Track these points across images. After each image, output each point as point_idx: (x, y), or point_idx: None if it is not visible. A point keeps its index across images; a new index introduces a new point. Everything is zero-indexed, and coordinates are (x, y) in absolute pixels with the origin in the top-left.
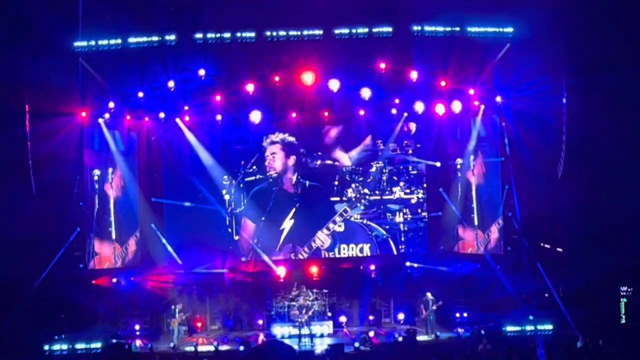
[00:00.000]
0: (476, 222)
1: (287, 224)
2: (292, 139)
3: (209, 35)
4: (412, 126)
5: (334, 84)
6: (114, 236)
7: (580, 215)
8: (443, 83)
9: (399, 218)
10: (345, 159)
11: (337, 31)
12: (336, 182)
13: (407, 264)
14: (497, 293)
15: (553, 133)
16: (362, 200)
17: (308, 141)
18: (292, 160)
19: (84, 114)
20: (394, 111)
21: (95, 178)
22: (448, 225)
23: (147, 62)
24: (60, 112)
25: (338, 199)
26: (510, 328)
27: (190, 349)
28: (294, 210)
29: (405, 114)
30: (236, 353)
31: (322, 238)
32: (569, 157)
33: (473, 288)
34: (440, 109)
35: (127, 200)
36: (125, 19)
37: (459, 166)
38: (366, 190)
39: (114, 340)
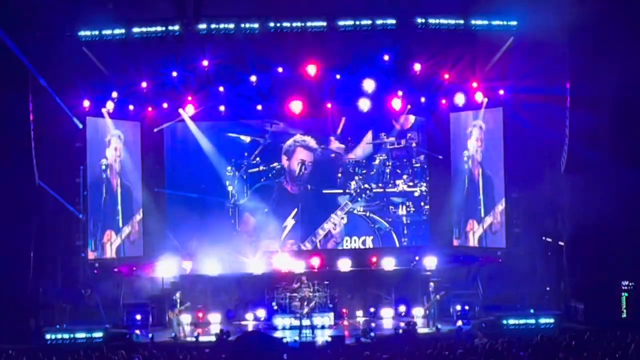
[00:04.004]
0: (482, 215)
1: (290, 221)
2: (313, 142)
3: (213, 25)
4: (412, 118)
5: (338, 76)
6: (120, 225)
7: (582, 209)
8: (446, 76)
9: (402, 211)
10: (348, 151)
11: (340, 23)
12: (339, 175)
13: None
14: (499, 286)
15: (556, 126)
16: (363, 195)
17: (311, 133)
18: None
19: (87, 103)
20: (397, 104)
21: (103, 167)
22: (451, 218)
23: (151, 52)
24: (64, 101)
25: (341, 191)
26: (511, 321)
27: (191, 339)
28: (296, 209)
29: (409, 107)
30: None
31: (335, 222)
32: (572, 151)
33: (475, 281)
34: (443, 101)
35: (131, 190)
36: (128, 9)
37: (465, 158)
38: (367, 185)
39: (115, 330)
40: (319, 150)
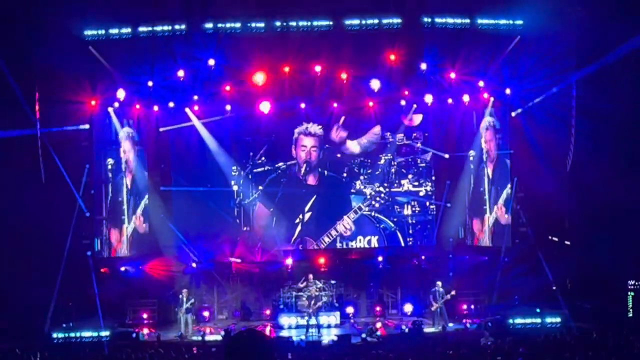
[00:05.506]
0: (489, 214)
1: (303, 217)
2: (315, 127)
3: (219, 25)
4: (419, 118)
5: (344, 75)
6: (126, 223)
7: (588, 208)
8: (452, 75)
9: (407, 210)
10: (354, 147)
11: (347, 22)
12: (345, 174)
13: (415, 256)
14: (505, 285)
15: (562, 125)
16: (377, 198)
17: (314, 120)
18: (320, 153)
19: (93, 102)
20: (403, 103)
21: (109, 167)
22: (457, 218)
23: (157, 51)
24: (70, 100)
25: (353, 191)
26: (517, 321)
27: (198, 338)
28: (311, 202)
29: (415, 106)
30: None
31: (346, 225)
32: (578, 150)
33: (481, 280)
34: (449, 100)
35: (137, 189)
36: (135, 8)
37: (471, 158)
38: (381, 189)
39: (122, 329)
40: (322, 135)
